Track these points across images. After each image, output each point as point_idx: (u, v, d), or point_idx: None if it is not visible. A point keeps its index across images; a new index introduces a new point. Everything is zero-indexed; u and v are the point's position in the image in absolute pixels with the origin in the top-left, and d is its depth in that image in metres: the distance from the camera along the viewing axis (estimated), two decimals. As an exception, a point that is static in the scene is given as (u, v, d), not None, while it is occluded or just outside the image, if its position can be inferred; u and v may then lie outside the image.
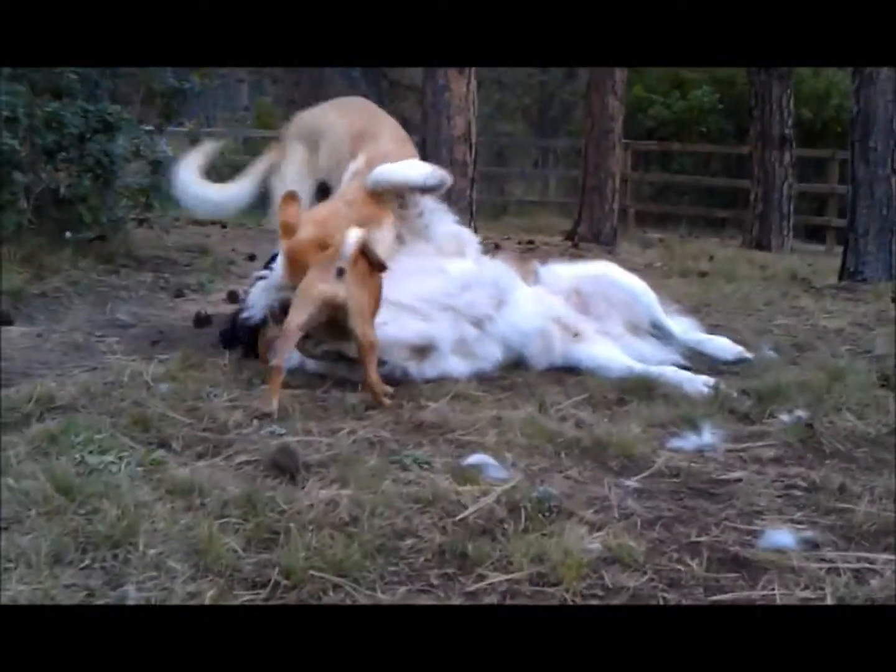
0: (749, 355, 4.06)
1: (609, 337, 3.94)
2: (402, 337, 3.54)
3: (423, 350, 3.59)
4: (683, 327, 4.17)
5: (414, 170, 3.83)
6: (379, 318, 3.39)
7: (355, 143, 4.05)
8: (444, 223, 3.96)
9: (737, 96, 15.62)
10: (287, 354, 3.18)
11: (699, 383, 3.57)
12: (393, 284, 3.53)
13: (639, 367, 3.73)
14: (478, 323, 3.73)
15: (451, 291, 3.71)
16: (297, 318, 3.18)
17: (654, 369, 3.71)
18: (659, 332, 4.07)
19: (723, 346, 4.08)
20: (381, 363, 3.38)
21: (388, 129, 4.20)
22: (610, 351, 3.85)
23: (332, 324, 3.25)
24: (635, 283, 4.17)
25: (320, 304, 3.18)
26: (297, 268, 3.37)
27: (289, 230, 3.43)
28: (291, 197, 3.52)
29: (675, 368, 3.75)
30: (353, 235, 3.22)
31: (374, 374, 3.22)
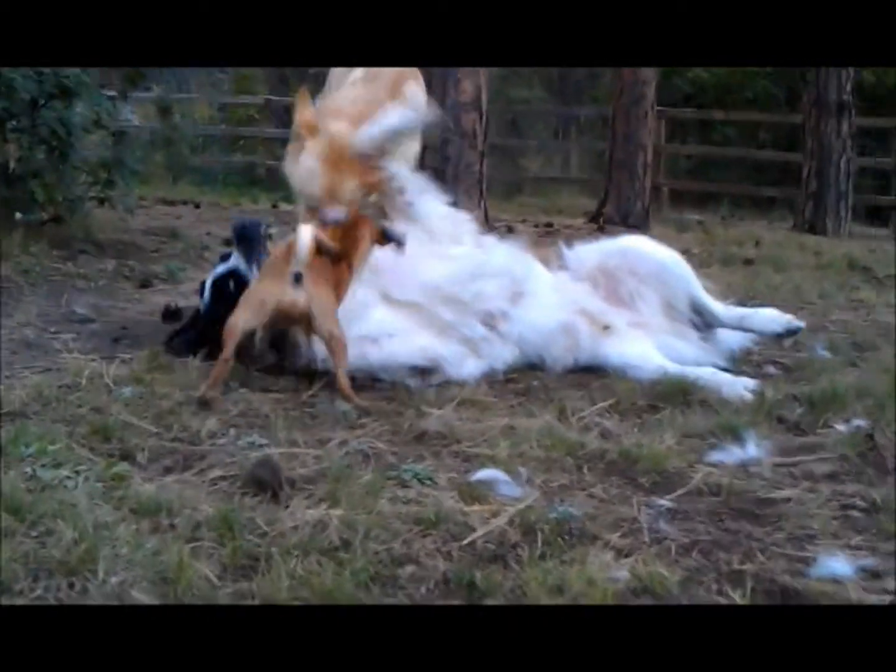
0: (800, 323, 4.07)
1: (643, 330, 3.94)
2: (404, 357, 3.58)
3: (426, 371, 3.62)
4: (724, 305, 4.18)
5: (392, 117, 3.87)
6: (382, 331, 3.54)
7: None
8: (432, 203, 3.97)
9: (788, 57, 15.57)
10: (233, 350, 3.29)
11: (740, 387, 3.58)
12: (391, 275, 3.57)
13: (673, 367, 3.74)
14: (488, 319, 3.74)
15: (456, 280, 3.72)
16: (245, 321, 3.31)
17: (691, 370, 3.72)
18: (698, 312, 4.06)
19: (771, 317, 4.07)
20: (379, 381, 3.52)
21: None
22: (643, 348, 3.87)
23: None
24: (666, 255, 4.20)
25: (275, 315, 3.31)
26: (338, 168, 3.68)
27: (313, 129, 3.74)
28: (304, 95, 3.86)
29: (714, 370, 3.76)
30: (306, 234, 3.33)
31: (343, 377, 3.31)
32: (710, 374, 3.70)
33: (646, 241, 4.34)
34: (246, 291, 3.43)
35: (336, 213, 3.63)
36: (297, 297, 3.30)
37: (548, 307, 3.87)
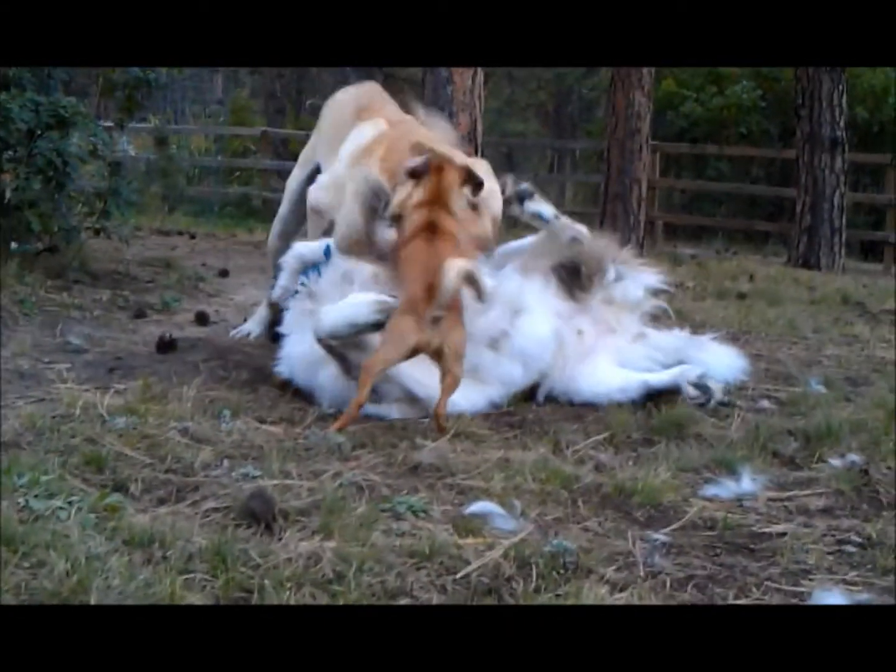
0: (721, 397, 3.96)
1: (605, 352, 4.06)
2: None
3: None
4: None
5: (358, 307, 3.57)
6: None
7: (359, 113, 4.42)
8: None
9: (781, 93, 15.70)
10: (369, 391, 3.33)
11: (691, 375, 3.85)
12: None
13: (654, 377, 3.92)
14: (493, 344, 3.79)
15: (469, 316, 3.76)
16: (385, 361, 3.37)
17: (668, 374, 3.91)
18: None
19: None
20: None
21: (393, 105, 4.62)
22: (615, 371, 4.00)
23: None
24: None
25: (409, 352, 3.36)
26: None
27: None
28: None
29: (683, 367, 3.93)
30: (455, 272, 3.33)
31: (443, 407, 3.36)
32: (678, 373, 3.89)
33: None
34: (387, 328, 3.41)
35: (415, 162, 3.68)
36: (433, 339, 3.33)
37: (540, 315, 3.95)
